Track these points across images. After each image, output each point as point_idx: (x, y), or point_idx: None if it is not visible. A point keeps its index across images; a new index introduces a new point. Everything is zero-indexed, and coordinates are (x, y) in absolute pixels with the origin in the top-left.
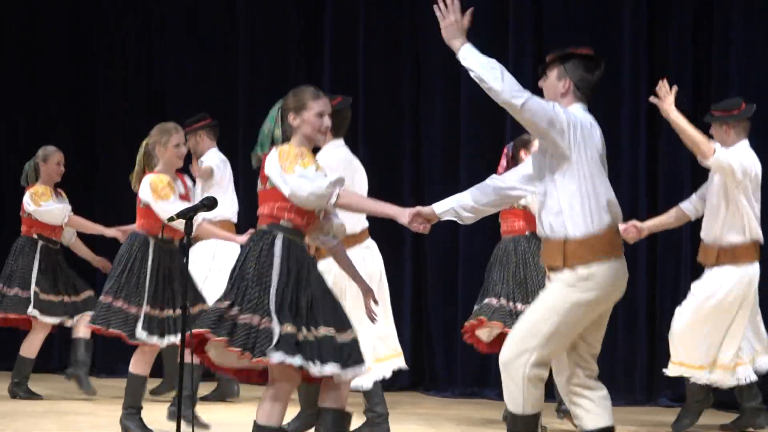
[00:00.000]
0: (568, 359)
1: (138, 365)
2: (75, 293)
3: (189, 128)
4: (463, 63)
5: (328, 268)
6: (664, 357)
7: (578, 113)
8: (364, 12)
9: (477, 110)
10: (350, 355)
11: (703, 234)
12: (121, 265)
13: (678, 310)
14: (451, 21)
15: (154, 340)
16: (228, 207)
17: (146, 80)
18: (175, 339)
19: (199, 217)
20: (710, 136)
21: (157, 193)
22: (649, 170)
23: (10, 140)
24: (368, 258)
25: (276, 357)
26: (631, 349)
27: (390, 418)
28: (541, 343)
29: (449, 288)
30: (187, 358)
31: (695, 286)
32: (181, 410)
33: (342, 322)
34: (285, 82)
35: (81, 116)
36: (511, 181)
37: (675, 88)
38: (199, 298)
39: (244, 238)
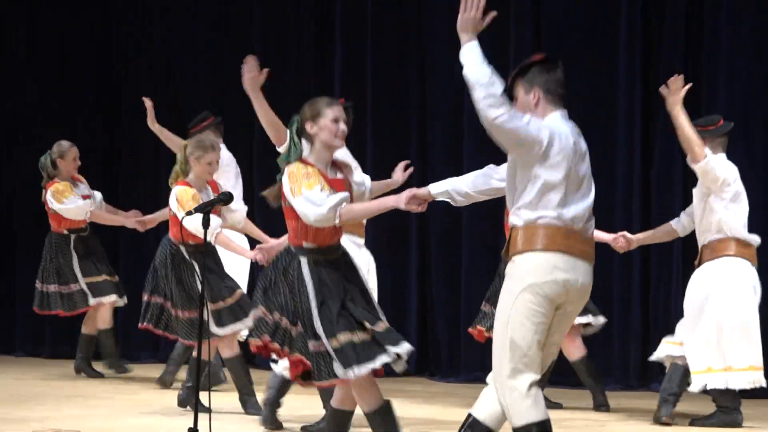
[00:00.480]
0: None
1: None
2: (113, 274)
3: (195, 128)
4: (461, 57)
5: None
6: (656, 346)
7: (555, 124)
8: (371, 15)
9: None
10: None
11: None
12: (162, 270)
13: (680, 323)
14: (471, 15)
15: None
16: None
17: (167, 77)
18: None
19: (218, 228)
20: None
21: (182, 205)
22: (643, 170)
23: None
24: (355, 253)
25: (339, 374)
26: (625, 340)
27: (398, 402)
28: (510, 354)
29: (453, 278)
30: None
31: (686, 295)
32: (197, 400)
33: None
34: (298, 85)
35: (107, 107)
36: (504, 172)
37: (689, 85)
38: (220, 295)
39: (254, 254)
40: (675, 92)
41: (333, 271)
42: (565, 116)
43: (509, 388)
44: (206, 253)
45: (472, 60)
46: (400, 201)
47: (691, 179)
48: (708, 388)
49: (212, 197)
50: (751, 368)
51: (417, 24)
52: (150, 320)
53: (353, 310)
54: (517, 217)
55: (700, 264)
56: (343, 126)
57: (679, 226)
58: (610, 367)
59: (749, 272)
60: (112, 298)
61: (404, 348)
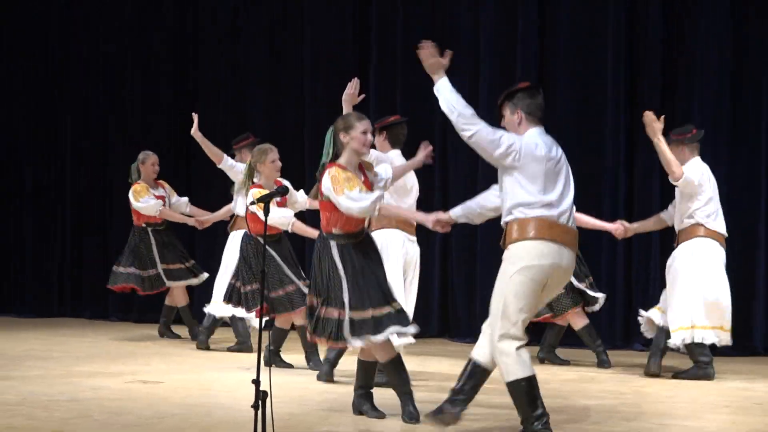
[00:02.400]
0: None
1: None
2: (187, 260)
3: (236, 146)
4: (436, 93)
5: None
6: (637, 311)
7: (531, 138)
8: (402, 32)
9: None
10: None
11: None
12: (247, 262)
13: (663, 294)
14: (432, 61)
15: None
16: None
17: (233, 93)
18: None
19: (293, 219)
20: None
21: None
22: (627, 169)
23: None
24: (410, 248)
25: (354, 342)
26: (611, 306)
27: (420, 359)
28: (502, 319)
29: (469, 252)
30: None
31: (667, 269)
32: (261, 364)
33: (389, 297)
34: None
35: (182, 125)
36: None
37: (662, 117)
38: (286, 281)
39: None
40: (650, 125)
41: (357, 252)
42: (543, 132)
43: (500, 351)
44: (279, 241)
45: (445, 93)
46: (427, 221)
47: (666, 186)
48: (685, 342)
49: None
50: (720, 328)
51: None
52: (252, 305)
53: (374, 288)
54: (510, 215)
55: (678, 245)
56: (370, 137)
57: (667, 216)
58: (599, 330)
59: (718, 250)
60: (184, 282)
61: (410, 329)
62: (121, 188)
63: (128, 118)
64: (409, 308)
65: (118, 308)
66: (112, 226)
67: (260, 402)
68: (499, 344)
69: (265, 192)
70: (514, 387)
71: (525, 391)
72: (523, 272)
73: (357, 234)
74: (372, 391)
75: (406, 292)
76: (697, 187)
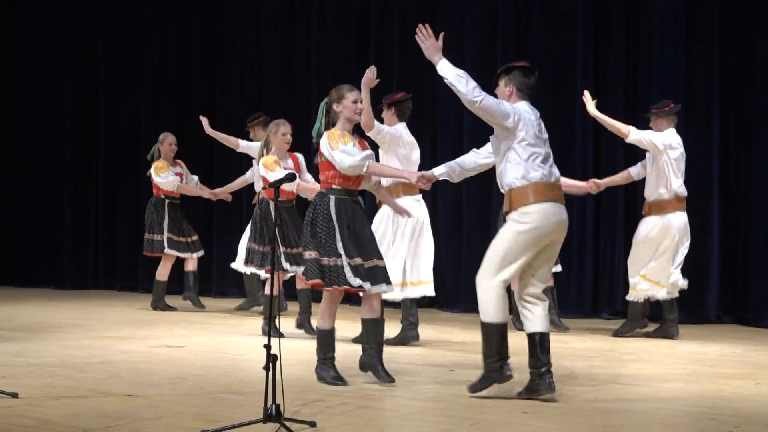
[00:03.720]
0: (523, 282)
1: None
2: (191, 235)
3: (250, 124)
4: (440, 73)
5: (380, 218)
6: (605, 283)
7: (521, 107)
8: (398, 30)
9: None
10: (384, 277)
11: (645, 193)
12: (259, 223)
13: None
14: (430, 43)
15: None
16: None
17: (251, 82)
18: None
19: (297, 180)
20: (650, 128)
21: (268, 167)
22: (595, 143)
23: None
24: (416, 207)
25: (355, 282)
26: (580, 277)
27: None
28: (499, 265)
29: (456, 230)
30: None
31: (636, 235)
32: (271, 326)
33: (377, 253)
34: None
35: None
36: (485, 153)
37: (594, 99)
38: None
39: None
40: (587, 104)
41: (351, 209)
42: (529, 105)
43: (484, 289)
44: (290, 208)
45: (449, 71)
46: (411, 177)
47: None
48: (647, 295)
49: (291, 167)
50: (672, 286)
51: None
52: (261, 264)
53: (366, 242)
54: (512, 181)
55: (648, 215)
56: (360, 105)
57: (635, 171)
58: (570, 300)
59: (683, 220)
60: (178, 254)
61: (389, 287)
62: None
63: (160, 104)
64: (428, 261)
65: (146, 281)
66: (141, 207)
67: (271, 364)
68: (487, 283)
69: (273, 157)
70: (488, 328)
71: (498, 335)
72: (530, 233)
73: (353, 192)
74: (381, 349)
75: (424, 248)
76: (654, 146)
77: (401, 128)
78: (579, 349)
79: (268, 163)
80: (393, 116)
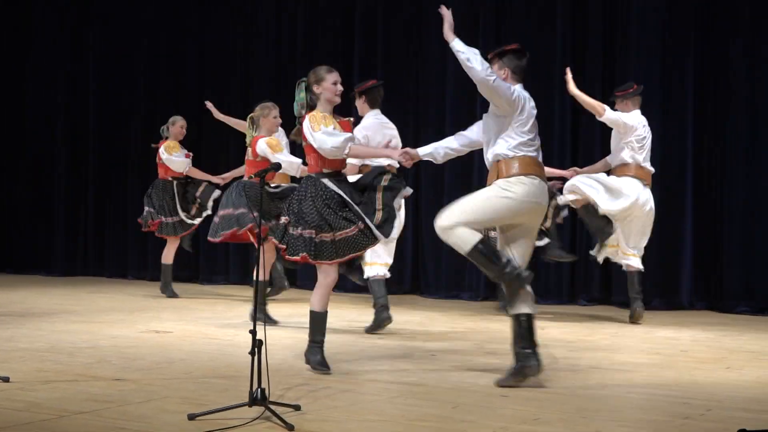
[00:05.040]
0: None
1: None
2: (200, 215)
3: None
4: (457, 48)
5: None
6: (582, 271)
7: (520, 91)
8: (382, 26)
9: (459, 93)
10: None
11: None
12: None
13: None
14: (448, 26)
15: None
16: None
17: (239, 76)
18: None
19: (301, 166)
20: (616, 110)
21: (273, 148)
22: (572, 130)
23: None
24: None
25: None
26: (558, 264)
27: (396, 312)
28: (467, 216)
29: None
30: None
31: None
32: (256, 311)
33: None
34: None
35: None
36: (470, 135)
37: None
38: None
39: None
40: (568, 82)
41: (343, 187)
42: (522, 87)
43: (448, 229)
44: (282, 197)
45: (464, 48)
46: (393, 154)
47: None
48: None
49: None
50: (633, 255)
51: (417, 36)
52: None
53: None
54: (504, 152)
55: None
56: (340, 87)
57: (611, 159)
58: (548, 287)
59: (641, 188)
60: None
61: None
62: (137, 162)
63: (149, 100)
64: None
65: (135, 267)
66: (129, 197)
67: (256, 350)
68: (449, 225)
69: (275, 138)
70: (474, 253)
71: (484, 252)
72: (507, 201)
73: (341, 173)
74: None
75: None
76: (624, 125)
77: (372, 115)
78: (556, 335)
79: (273, 144)
80: (365, 104)
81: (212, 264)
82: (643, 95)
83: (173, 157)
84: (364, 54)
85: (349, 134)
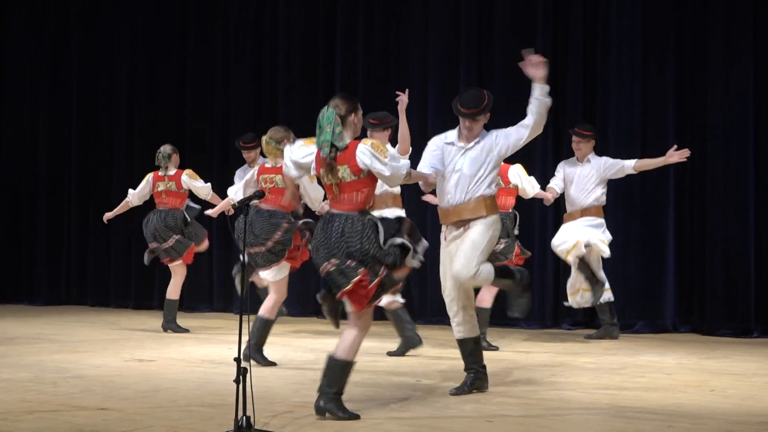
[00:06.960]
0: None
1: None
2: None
3: (248, 145)
4: (542, 97)
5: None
6: (565, 295)
7: None
8: (363, 34)
9: (442, 99)
10: None
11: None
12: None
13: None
14: (543, 70)
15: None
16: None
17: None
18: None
19: (323, 203)
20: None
21: (288, 184)
22: (555, 149)
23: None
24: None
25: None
26: (542, 289)
27: (382, 340)
28: (483, 256)
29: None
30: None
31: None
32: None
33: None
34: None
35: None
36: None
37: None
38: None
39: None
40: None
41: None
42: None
43: (476, 274)
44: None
45: (546, 98)
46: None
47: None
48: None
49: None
50: (608, 289)
51: (396, 42)
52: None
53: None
54: (489, 191)
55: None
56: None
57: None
58: (532, 311)
59: (603, 226)
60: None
61: None
62: (119, 190)
63: (132, 119)
64: None
65: (118, 296)
66: (112, 227)
67: (241, 377)
68: (476, 270)
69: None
70: (496, 275)
71: (503, 271)
72: (492, 234)
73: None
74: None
75: None
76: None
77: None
78: (540, 358)
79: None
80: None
81: (195, 292)
82: (624, 115)
83: (198, 183)
84: (345, 60)
85: (408, 160)
